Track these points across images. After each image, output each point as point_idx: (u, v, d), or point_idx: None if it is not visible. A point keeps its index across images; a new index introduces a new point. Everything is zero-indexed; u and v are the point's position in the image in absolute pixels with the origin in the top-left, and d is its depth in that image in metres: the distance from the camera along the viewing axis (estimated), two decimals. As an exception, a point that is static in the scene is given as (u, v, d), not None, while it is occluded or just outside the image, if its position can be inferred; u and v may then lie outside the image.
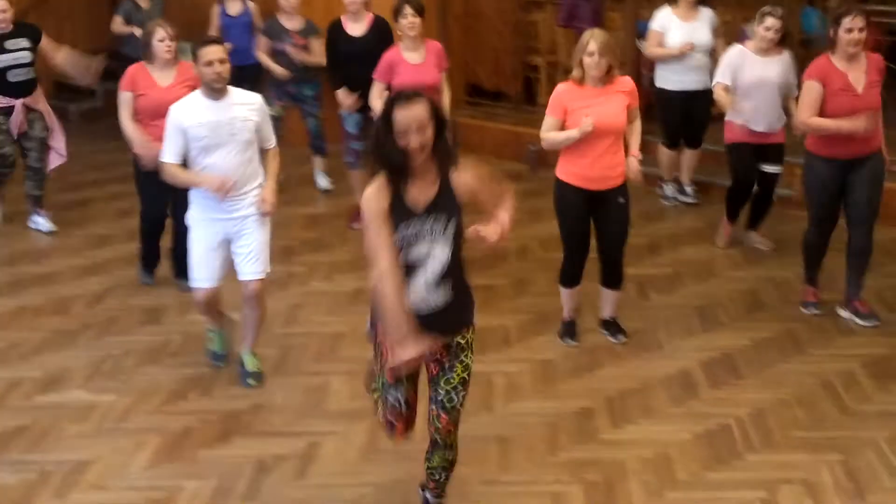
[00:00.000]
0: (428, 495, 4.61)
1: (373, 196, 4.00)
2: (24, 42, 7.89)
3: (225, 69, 5.46)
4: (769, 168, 7.42)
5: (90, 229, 8.50)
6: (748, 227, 7.81)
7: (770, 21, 7.13)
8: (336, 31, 8.03)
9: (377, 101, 7.15)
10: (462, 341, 4.24)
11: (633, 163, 5.96)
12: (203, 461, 5.08)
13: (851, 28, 6.10)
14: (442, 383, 4.26)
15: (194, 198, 5.66)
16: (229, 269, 5.75)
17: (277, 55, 8.83)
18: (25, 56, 7.89)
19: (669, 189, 8.90)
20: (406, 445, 5.14)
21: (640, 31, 9.23)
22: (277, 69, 8.79)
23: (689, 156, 8.66)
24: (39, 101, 8.04)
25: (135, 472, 5.01)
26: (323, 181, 9.39)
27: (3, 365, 6.09)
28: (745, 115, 7.19)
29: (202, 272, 5.67)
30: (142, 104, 6.64)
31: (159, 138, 6.32)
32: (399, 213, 4.01)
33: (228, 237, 5.66)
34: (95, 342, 6.39)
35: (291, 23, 8.85)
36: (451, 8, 11.06)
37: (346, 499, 4.74)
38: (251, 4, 9.69)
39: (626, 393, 5.71)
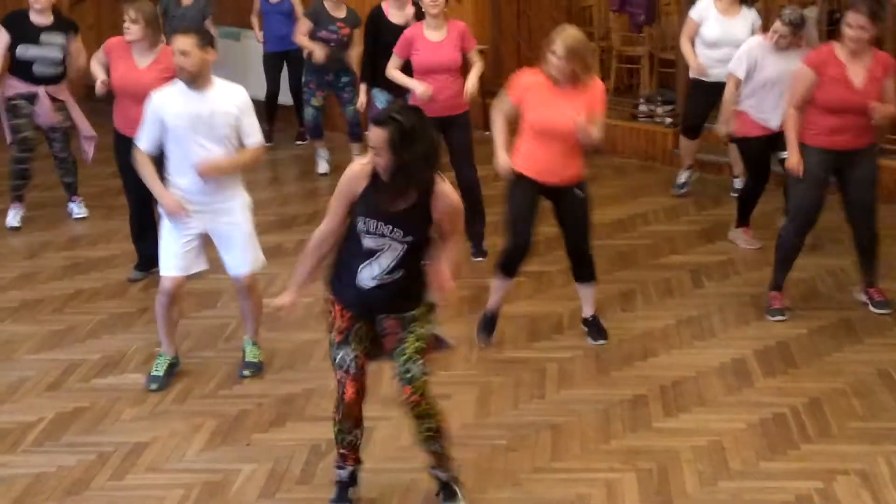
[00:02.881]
0: (438, 473, 4.58)
1: (354, 173, 4.25)
2: (58, 38, 7.81)
3: (188, 62, 5.30)
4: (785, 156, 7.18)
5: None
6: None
7: (777, 25, 7.04)
8: (377, 18, 7.86)
9: (392, 70, 7.09)
10: (415, 312, 4.34)
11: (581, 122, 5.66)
12: (258, 444, 5.13)
13: (851, 24, 5.97)
14: (397, 355, 4.35)
15: (171, 182, 5.57)
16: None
17: (316, 43, 8.83)
18: (56, 52, 7.81)
19: (684, 175, 8.77)
20: (460, 431, 5.17)
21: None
22: (317, 50, 8.74)
23: (734, 148, 8.51)
24: (62, 92, 7.96)
25: (190, 455, 5.07)
26: None
27: (61, 348, 6.18)
28: (763, 113, 7.09)
29: (170, 261, 5.57)
30: (112, 78, 6.66)
31: (125, 115, 6.47)
32: (367, 205, 4.22)
33: (205, 230, 5.59)
34: (152, 326, 6.41)
35: (337, 11, 8.86)
36: (504, -8, 11.03)
37: (399, 484, 4.77)
38: None
39: (680, 381, 5.68)
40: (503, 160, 5.81)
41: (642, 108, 10.07)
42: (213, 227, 5.58)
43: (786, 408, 5.37)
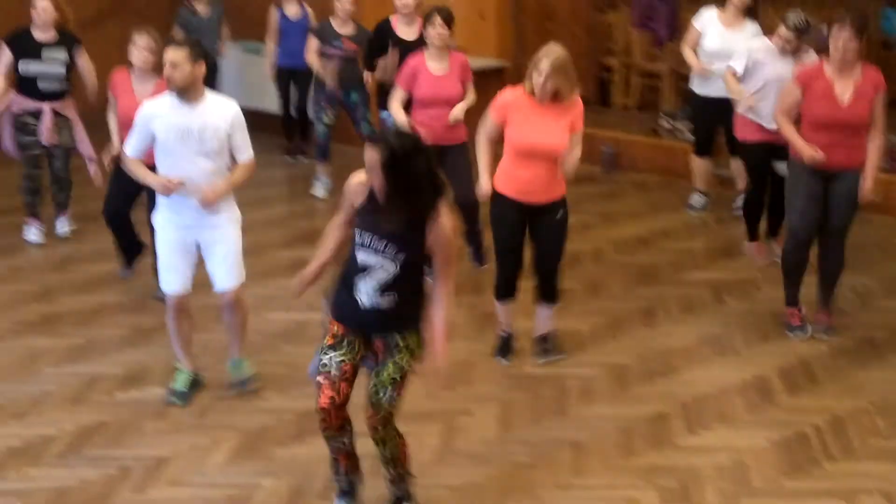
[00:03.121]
0: (392, 488, 4.65)
1: (355, 187, 4.30)
2: (61, 54, 7.80)
3: (177, 74, 5.28)
4: (783, 169, 6.98)
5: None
6: (768, 236, 7.60)
7: (782, 30, 7.03)
8: (385, 30, 7.83)
9: (395, 105, 7.04)
10: (401, 342, 4.35)
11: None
12: (280, 459, 5.13)
13: (838, 38, 5.94)
14: (373, 376, 4.39)
15: (160, 198, 5.58)
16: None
17: (325, 59, 8.87)
18: (58, 68, 7.79)
19: (696, 199, 8.74)
20: (480, 448, 5.17)
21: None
22: (326, 76, 8.81)
23: (736, 164, 8.43)
24: (68, 108, 7.94)
25: (212, 470, 5.08)
26: None
27: (83, 361, 6.20)
28: (760, 116, 7.07)
29: (170, 277, 5.57)
30: (118, 109, 6.67)
31: None
32: (364, 220, 4.27)
33: (197, 243, 5.58)
34: (174, 340, 6.48)
35: (344, 28, 8.88)
36: (525, 8, 11.06)
37: (420, 500, 4.75)
38: (309, 8, 9.79)
39: (702, 398, 5.66)
40: (485, 185, 5.77)
41: (663, 123, 10.07)
42: (201, 240, 5.58)
43: (808, 426, 5.35)
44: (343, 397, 4.39)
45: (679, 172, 9.63)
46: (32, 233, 8.21)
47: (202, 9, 9.99)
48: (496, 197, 5.82)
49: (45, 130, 7.85)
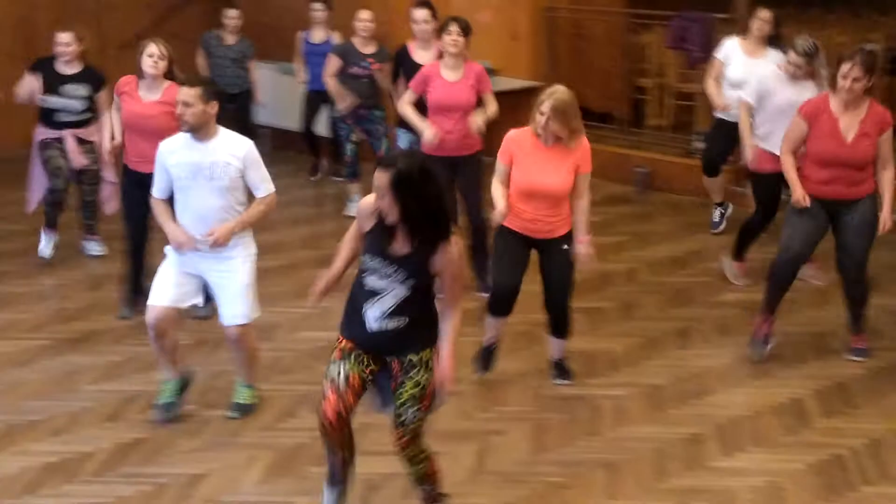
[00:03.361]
0: None
1: (365, 210, 4.32)
2: (82, 90, 7.83)
3: (188, 113, 5.35)
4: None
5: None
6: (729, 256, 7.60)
7: (791, 56, 7.01)
8: (402, 56, 7.88)
9: (406, 106, 7.09)
10: (414, 358, 4.36)
11: (581, 250, 5.76)
12: (314, 478, 5.13)
13: (847, 76, 5.88)
14: (395, 398, 4.41)
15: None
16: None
17: (348, 79, 8.92)
18: (77, 104, 7.82)
19: (716, 214, 8.74)
20: (514, 468, 5.17)
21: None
22: (342, 97, 8.88)
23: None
24: (93, 134, 7.93)
25: (247, 487, 5.10)
26: None
27: (120, 379, 6.25)
28: (773, 145, 6.99)
29: (158, 289, 5.58)
30: (122, 112, 6.79)
31: (132, 150, 6.66)
32: (373, 243, 4.29)
33: (203, 273, 5.61)
34: (210, 358, 6.51)
35: (366, 47, 8.93)
36: (559, 29, 11.09)
37: (454, 519, 4.76)
38: (335, 34, 9.86)
39: (737, 420, 5.64)
40: (501, 207, 5.69)
41: (697, 144, 10.04)
42: (209, 275, 5.61)
43: (845, 449, 5.31)
44: (347, 409, 4.42)
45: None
46: (44, 243, 8.21)
47: (229, 38, 10.18)
48: (500, 228, 5.81)
49: (72, 154, 7.88)
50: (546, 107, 5.52)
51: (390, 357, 4.41)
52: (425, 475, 4.56)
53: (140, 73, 6.69)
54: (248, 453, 5.39)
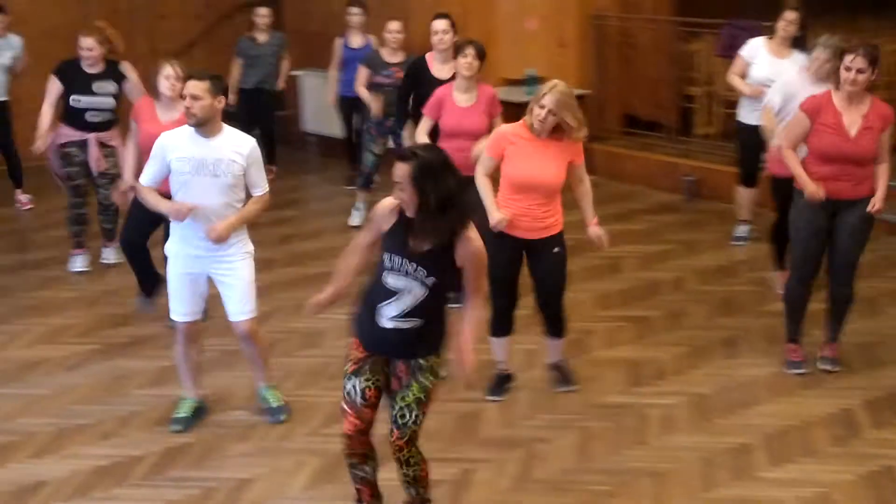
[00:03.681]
0: None
1: (384, 210, 4.37)
2: (110, 86, 7.90)
3: (197, 106, 5.33)
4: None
5: (255, 253, 8.71)
6: (774, 267, 7.44)
7: (819, 52, 6.86)
8: (419, 68, 7.75)
9: (422, 135, 6.97)
10: (423, 362, 4.39)
11: (594, 231, 5.76)
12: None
13: (850, 67, 5.83)
14: (398, 399, 4.43)
15: (173, 229, 5.65)
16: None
17: (375, 88, 8.96)
18: (109, 100, 7.90)
19: (741, 230, 8.66)
20: (560, 477, 5.16)
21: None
22: (373, 104, 8.91)
23: (739, 192, 8.30)
24: (114, 138, 8.01)
25: (294, 492, 5.13)
26: None
27: (169, 383, 6.29)
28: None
29: (180, 306, 5.63)
30: (140, 137, 6.73)
31: None
32: (393, 242, 4.32)
33: (207, 274, 5.63)
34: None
35: (393, 57, 8.96)
36: (606, 37, 11.06)
37: (500, 527, 4.76)
38: (372, 38, 9.90)
39: (785, 430, 5.59)
40: (497, 214, 5.69)
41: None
42: (213, 273, 5.63)
43: (895, 460, 5.25)
44: (367, 423, 4.48)
45: (763, 202, 9.53)
46: (78, 263, 8.30)
47: (261, 37, 10.32)
48: (491, 232, 5.75)
49: (94, 159, 7.95)
50: (548, 100, 5.51)
51: (398, 358, 4.43)
52: (417, 478, 4.59)
53: (156, 95, 6.73)
54: (295, 459, 5.42)
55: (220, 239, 5.49)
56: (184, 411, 5.79)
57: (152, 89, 6.84)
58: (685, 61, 10.97)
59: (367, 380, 4.44)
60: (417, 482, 4.61)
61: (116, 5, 12.08)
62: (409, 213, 4.23)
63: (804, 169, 6.07)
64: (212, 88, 5.39)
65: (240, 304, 5.66)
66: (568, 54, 11.01)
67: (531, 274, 5.87)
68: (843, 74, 5.89)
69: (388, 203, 4.35)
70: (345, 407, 4.48)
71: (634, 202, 10.01)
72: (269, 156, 10.84)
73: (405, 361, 4.43)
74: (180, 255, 5.62)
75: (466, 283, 4.38)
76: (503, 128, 5.84)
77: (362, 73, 9.10)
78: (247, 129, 11.32)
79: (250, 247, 5.74)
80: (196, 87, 5.36)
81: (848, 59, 5.87)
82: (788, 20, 7.92)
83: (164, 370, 6.49)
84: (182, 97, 5.42)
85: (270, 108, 10.64)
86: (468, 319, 4.41)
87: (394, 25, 9.00)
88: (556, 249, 5.76)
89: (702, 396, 6.01)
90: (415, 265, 4.27)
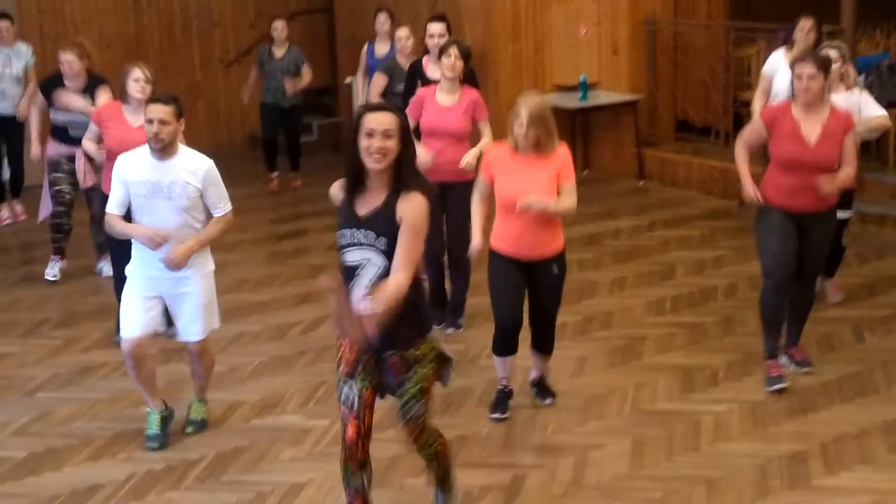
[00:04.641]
0: (437, 490, 4.79)
1: (334, 191, 4.41)
2: (87, 101, 7.83)
3: (164, 131, 5.28)
4: (840, 214, 6.50)
5: (305, 259, 8.81)
6: (823, 277, 7.28)
7: (834, 55, 6.74)
8: (415, 70, 7.68)
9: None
10: (417, 352, 4.37)
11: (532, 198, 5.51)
12: (411, 489, 5.19)
13: (800, 75, 5.83)
14: (399, 395, 4.44)
15: (135, 251, 5.58)
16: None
17: (392, 96, 8.91)
18: (84, 117, 7.67)
19: None
20: (612, 483, 5.14)
21: (858, 68, 8.86)
22: None
23: None
24: (101, 151, 7.68)
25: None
26: None
27: (222, 388, 6.36)
28: None
29: (128, 322, 5.53)
30: (107, 140, 6.72)
31: None
32: (343, 216, 4.33)
33: (163, 295, 5.58)
34: (310, 368, 6.61)
35: (407, 64, 8.91)
36: (660, 43, 11.03)
37: (551, 533, 4.75)
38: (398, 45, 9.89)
39: (841, 438, 5.52)
40: (477, 242, 5.72)
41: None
42: (167, 294, 5.58)
43: (954, 469, 5.18)
44: (368, 426, 4.47)
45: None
46: (51, 271, 8.35)
47: (277, 52, 10.50)
48: (492, 254, 5.73)
49: (82, 174, 7.94)
50: (524, 114, 5.48)
51: (389, 353, 4.37)
52: (436, 453, 4.63)
53: (124, 98, 6.70)
54: (347, 463, 5.43)
55: (178, 267, 5.44)
56: (153, 427, 5.74)
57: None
58: (739, 66, 10.90)
59: (362, 380, 4.42)
60: (439, 456, 4.64)
61: (172, 14, 12.25)
62: (381, 165, 4.17)
63: (769, 178, 6.06)
64: (176, 112, 5.38)
65: (190, 325, 5.63)
66: (620, 60, 11.00)
67: (529, 292, 5.79)
68: (796, 84, 5.91)
69: (336, 186, 4.39)
70: (345, 412, 4.43)
71: (687, 208, 9.96)
72: (294, 164, 11.01)
73: (399, 356, 4.36)
74: (138, 276, 5.58)
75: (397, 249, 4.20)
76: (490, 152, 5.81)
77: (378, 81, 8.87)
78: (272, 136, 11.49)
79: (210, 266, 5.67)
80: (163, 111, 5.31)
81: (798, 68, 5.90)
82: (805, 28, 7.80)
83: (216, 375, 6.49)
84: (149, 121, 5.33)
85: (291, 119, 10.74)
86: (381, 286, 4.19)
87: (402, 32, 8.92)
88: (554, 271, 5.71)
89: (755, 403, 5.95)
90: (363, 230, 4.24)
